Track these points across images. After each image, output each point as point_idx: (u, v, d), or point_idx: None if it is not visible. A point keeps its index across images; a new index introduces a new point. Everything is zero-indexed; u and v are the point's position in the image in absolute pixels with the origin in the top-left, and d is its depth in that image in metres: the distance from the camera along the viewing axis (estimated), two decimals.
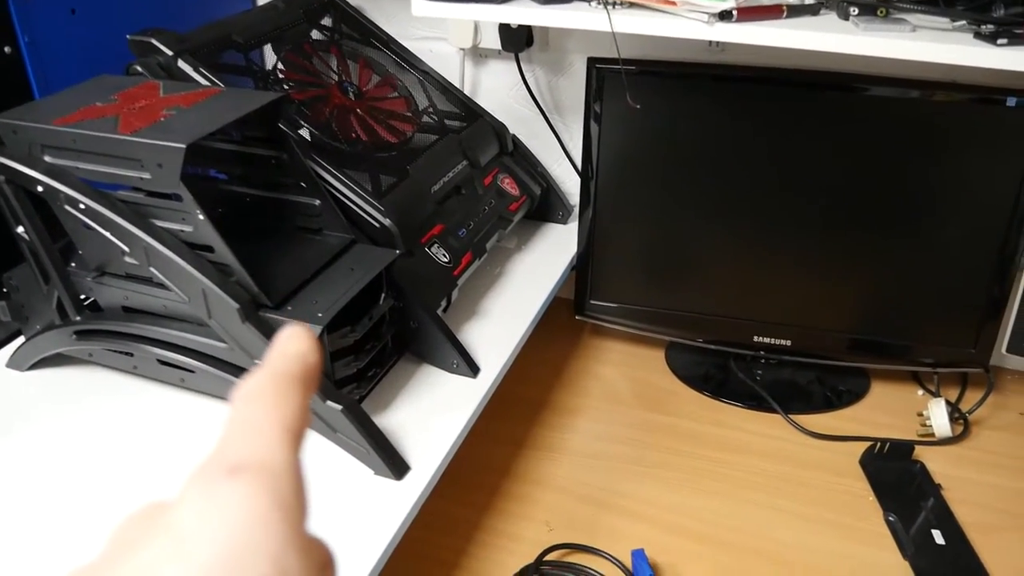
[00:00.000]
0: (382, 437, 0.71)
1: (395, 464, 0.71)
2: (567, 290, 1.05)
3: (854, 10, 0.79)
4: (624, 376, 1.07)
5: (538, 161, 1.10)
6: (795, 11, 0.80)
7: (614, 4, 0.80)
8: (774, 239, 0.97)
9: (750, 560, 0.82)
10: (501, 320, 0.92)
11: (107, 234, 0.72)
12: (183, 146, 0.66)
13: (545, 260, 1.04)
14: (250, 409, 0.29)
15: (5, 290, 0.82)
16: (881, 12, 0.78)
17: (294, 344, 0.30)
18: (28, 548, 0.65)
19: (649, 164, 0.97)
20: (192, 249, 0.70)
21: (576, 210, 1.12)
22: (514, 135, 1.07)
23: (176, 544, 0.26)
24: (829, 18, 0.80)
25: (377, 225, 0.82)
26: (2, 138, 0.74)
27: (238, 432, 0.29)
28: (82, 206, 0.72)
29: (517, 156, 1.07)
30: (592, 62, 0.94)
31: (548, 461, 0.94)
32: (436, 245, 0.87)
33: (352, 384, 0.76)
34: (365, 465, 0.72)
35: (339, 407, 0.70)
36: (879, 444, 0.93)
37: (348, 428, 0.70)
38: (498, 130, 1.04)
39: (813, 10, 0.81)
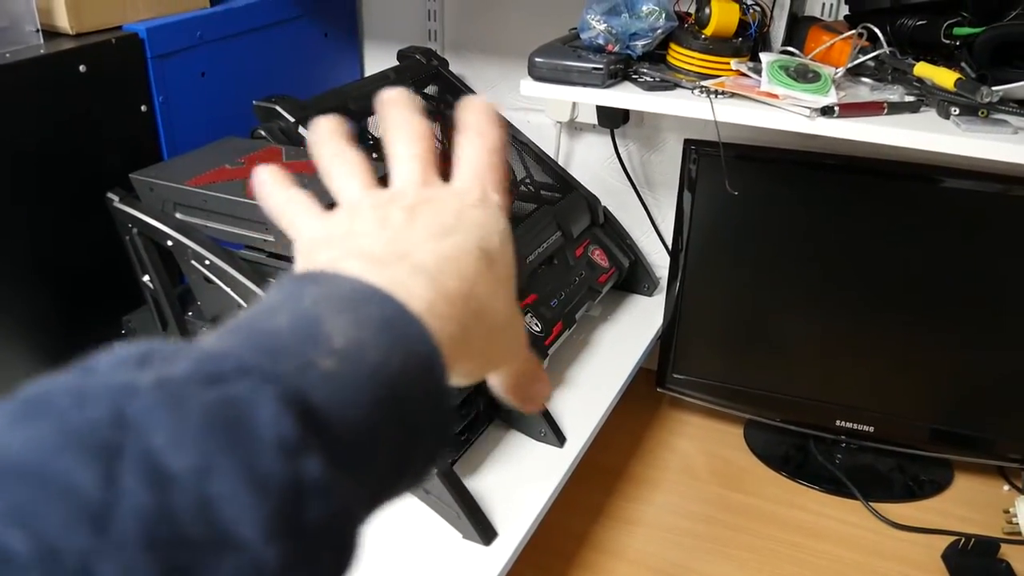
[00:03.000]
0: (473, 502, 0.74)
1: (484, 530, 0.73)
2: (649, 361, 1.06)
3: (955, 110, 0.80)
4: (701, 451, 1.08)
5: (627, 233, 1.13)
6: (895, 108, 0.81)
7: (716, 93, 0.83)
8: (860, 324, 0.98)
9: None
10: (587, 390, 0.94)
11: (227, 289, 0.76)
12: None
13: (630, 331, 1.06)
14: (497, 160, 0.40)
15: (124, 332, 0.87)
16: (983, 113, 0.79)
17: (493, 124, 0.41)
18: None
19: (738, 242, 0.99)
20: None
21: (661, 283, 1.14)
22: (605, 207, 1.10)
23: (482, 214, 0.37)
24: (929, 116, 0.81)
25: None
26: (139, 194, 0.80)
27: (489, 173, 0.39)
28: (207, 262, 0.76)
29: (608, 228, 1.09)
30: (688, 143, 0.97)
31: (624, 532, 0.95)
32: (529, 314, 0.90)
33: (448, 448, 0.79)
34: (455, 528, 0.74)
35: (434, 470, 0.72)
36: (963, 540, 0.92)
37: (441, 491, 0.73)
38: (591, 202, 1.07)
39: (913, 107, 0.82)
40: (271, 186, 0.41)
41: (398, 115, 0.41)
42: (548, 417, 0.85)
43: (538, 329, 0.90)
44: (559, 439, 0.85)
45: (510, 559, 0.73)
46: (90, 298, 0.90)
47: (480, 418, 0.84)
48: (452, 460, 0.79)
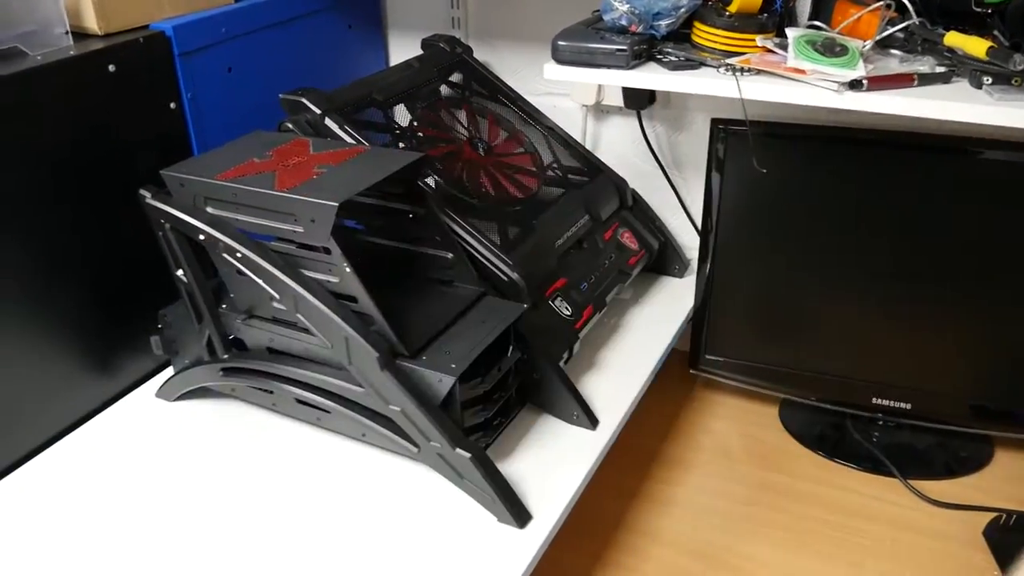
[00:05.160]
0: (507, 486, 0.74)
1: (518, 513, 0.74)
2: (681, 342, 1.06)
3: (988, 79, 0.78)
4: (736, 431, 1.07)
5: (656, 215, 1.12)
6: (926, 79, 0.80)
7: (742, 71, 0.82)
8: (894, 301, 0.96)
9: None
10: (619, 372, 0.93)
11: (259, 281, 0.77)
12: (336, 204, 0.71)
13: (661, 313, 1.05)
14: None
15: (160, 325, 0.89)
16: (1016, 82, 0.78)
17: None
18: (161, 560, 0.70)
19: (768, 221, 0.98)
20: (337, 299, 0.75)
21: (691, 264, 1.13)
22: (633, 189, 1.10)
23: None
24: (961, 86, 0.80)
25: (505, 279, 0.85)
26: (170, 190, 0.81)
27: None
28: (239, 255, 0.77)
29: (636, 210, 1.09)
30: (716, 123, 0.96)
31: (659, 514, 0.95)
32: (559, 298, 0.90)
33: (479, 432, 0.79)
34: (490, 512, 0.74)
35: (468, 455, 0.73)
36: (1004, 516, 0.90)
37: (475, 476, 0.73)
38: (619, 185, 1.07)
39: (944, 78, 0.81)
40: None
41: None
42: (580, 400, 0.85)
43: (568, 313, 0.90)
44: (592, 422, 0.85)
45: (545, 541, 0.73)
46: (127, 293, 0.92)
47: (512, 402, 0.84)
48: (486, 444, 0.80)
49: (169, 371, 0.93)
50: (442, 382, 0.73)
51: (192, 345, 0.87)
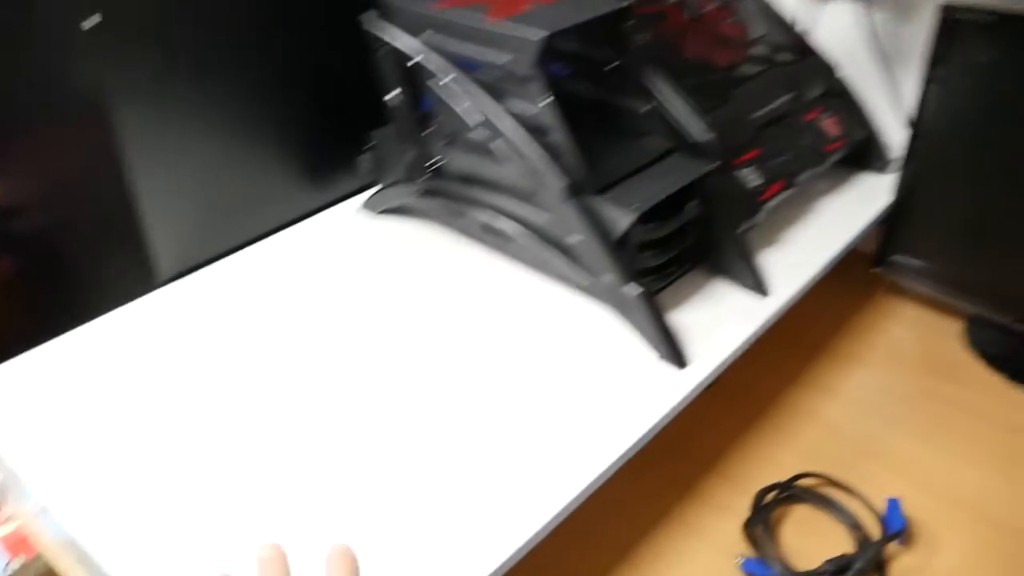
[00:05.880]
0: (668, 330, 0.77)
1: (677, 354, 0.77)
2: (865, 244, 1.03)
3: None
4: (915, 338, 1.04)
5: (863, 107, 1.08)
6: None
7: None
8: None
9: (1017, 542, 0.79)
10: (798, 252, 0.93)
11: (464, 106, 0.82)
12: (543, 35, 0.74)
13: (852, 207, 1.02)
14: None
15: (369, 146, 0.96)
16: None
17: None
18: (349, 355, 0.78)
19: (988, 124, 0.92)
20: (533, 130, 0.79)
21: (893, 164, 1.09)
22: (843, 77, 1.06)
23: None
24: None
25: (697, 138, 0.86)
26: (389, 15, 0.86)
27: None
28: (447, 80, 0.82)
29: (844, 98, 1.05)
30: (946, 10, 0.90)
31: (818, 399, 0.95)
32: (749, 169, 0.90)
33: (651, 276, 0.82)
34: (652, 349, 0.78)
35: (636, 292, 0.76)
36: None
37: (641, 313, 0.77)
38: (828, 69, 1.03)
39: None
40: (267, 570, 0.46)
41: None
42: (754, 267, 0.85)
43: (755, 184, 0.90)
44: (762, 290, 0.85)
45: (699, 385, 0.76)
46: (343, 115, 1.00)
47: (686, 256, 0.86)
48: (655, 289, 0.82)
49: (373, 191, 1.01)
50: (622, 219, 0.76)
51: (396, 166, 0.94)
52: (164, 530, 0.62)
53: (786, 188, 0.93)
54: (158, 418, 0.72)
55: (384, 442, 0.69)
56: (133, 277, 0.93)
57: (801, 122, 0.99)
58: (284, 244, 0.95)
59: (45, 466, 0.68)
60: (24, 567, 1.03)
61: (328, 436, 0.70)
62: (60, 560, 0.76)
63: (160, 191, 0.89)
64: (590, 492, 0.66)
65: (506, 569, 0.60)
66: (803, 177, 0.96)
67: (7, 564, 1.07)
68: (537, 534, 0.62)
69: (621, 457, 0.68)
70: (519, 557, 0.61)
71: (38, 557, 1.05)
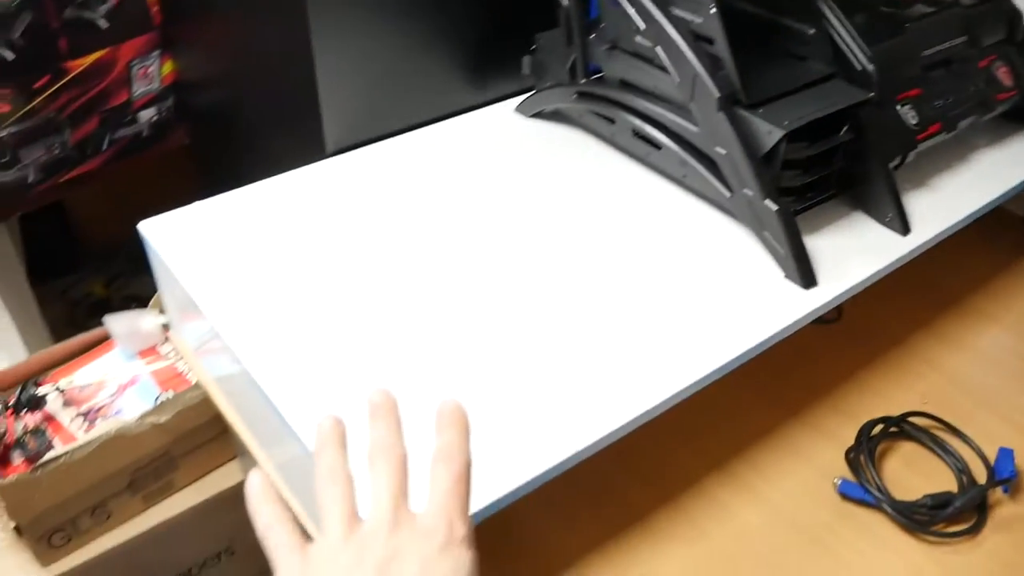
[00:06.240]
0: (803, 247, 0.79)
1: (806, 274, 0.78)
2: (1020, 206, 1.00)
3: None
4: None
5: None
6: None
7: None
8: None
9: None
10: (945, 198, 0.92)
11: (631, 11, 0.85)
12: None
13: (1009, 163, 0.99)
14: (463, 487, 0.45)
15: (533, 47, 1.00)
16: None
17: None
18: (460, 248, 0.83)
19: None
20: (696, 38, 0.81)
21: None
22: None
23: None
24: None
25: (859, 68, 0.86)
26: None
27: (454, 504, 0.44)
28: None
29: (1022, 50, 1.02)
30: None
31: (941, 347, 0.95)
32: (909, 106, 0.89)
33: (791, 196, 0.83)
34: (779, 267, 0.80)
35: (774, 208, 0.78)
36: None
37: (776, 229, 0.78)
38: (1011, 16, 1.00)
39: None
40: (258, 500, 0.46)
41: (381, 434, 0.46)
42: (899, 204, 0.85)
43: (913, 122, 0.89)
44: (904, 227, 0.85)
45: (820, 308, 0.77)
46: (513, 17, 1.04)
47: (831, 183, 0.86)
48: (796, 209, 0.84)
49: (528, 95, 1.05)
50: (771, 134, 0.78)
51: (557, 69, 0.98)
52: (314, 364, 0.69)
53: (945, 131, 0.92)
54: (314, 266, 0.79)
55: (507, 314, 0.74)
56: (306, 149, 1.01)
57: (973, 67, 0.96)
58: (439, 135, 1.01)
59: (219, 298, 0.76)
60: (174, 399, 1.16)
61: (456, 304, 0.75)
62: (215, 394, 0.86)
63: (336, 72, 0.96)
64: (695, 391, 0.69)
65: (612, 440, 0.65)
66: (965, 123, 0.94)
67: (158, 396, 1.20)
68: (641, 416, 0.66)
69: (731, 363, 0.71)
70: (625, 432, 0.66)
71: (186, 392, 1.17)
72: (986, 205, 0.92)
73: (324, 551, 0.43)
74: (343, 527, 0.43)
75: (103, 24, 1.14)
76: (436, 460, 0.46)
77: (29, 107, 1.13)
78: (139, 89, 1.24)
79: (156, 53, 1.22)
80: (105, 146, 1.26)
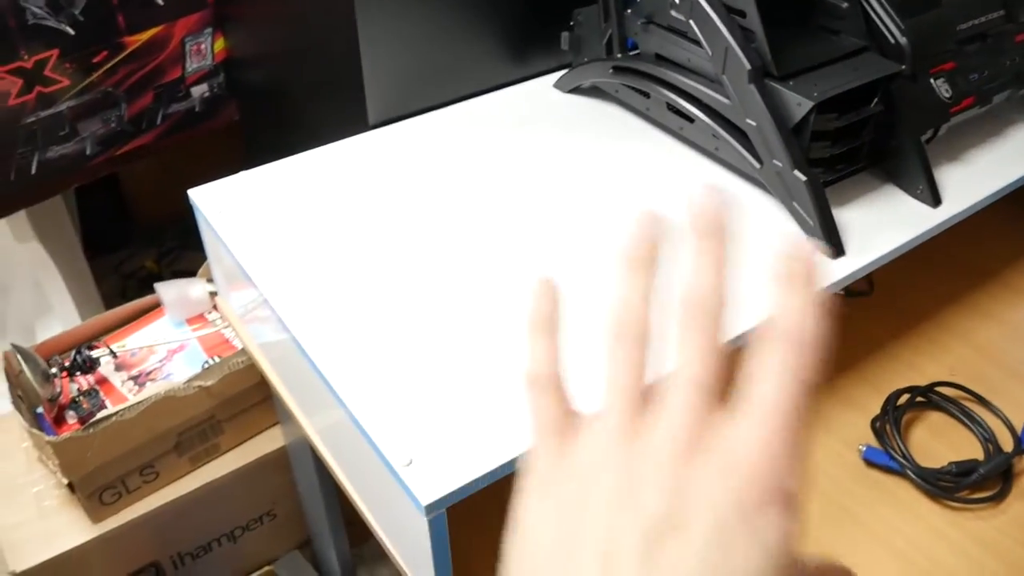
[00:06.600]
0: (831, 217, 0.80)
1: (835, 244, 0.80)
2: None
3: None
4: None
5: None
6: None
7: None
8: None
9: None
10: (978, 172, 0.92)
11: None
12: None
13: None
14: (804, 408, 0.29)
15: (572, 23, 1.03)
16: None
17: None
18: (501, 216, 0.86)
19: None
20: (728, 11, 0.82)
21: None
22: None
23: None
24: None
25: (892, 41, 0.87)
26: None
27: (787, 441, 0.27)
28: None
29: None
30: None
31: (975, 322, 0.95)
32: (942, 79, 0.90)
33: (820, 168, 0.85)
34: (809, 238, 0.81)
35: (804, 178, 0.79)
36: None
37: (805, 199, 0.80)
38: None
39: None
40: (537, 328, 0.35)
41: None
42: (930, 176, 0.86)
43: (947, 96, 0.90)
44: (935, 199, 0.86)
45: (848, 277, 0.78)
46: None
47: (861, 155, 0.87)
48: (825, 181, 0.85)
49: (565, 72, 1.07)
50: (800, 106, 0.79)
51: (594, 44, 1.00)
52: (358, 331, 0.72)
53: (978, 105, 0.92)
54: (357, 235, 0.82)
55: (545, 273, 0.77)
56: (350, 122, 1.04)
57: (1010, 41, 0.96)
58: (478, 109, 1.04)
59: (265, 264, 0.79)
60: (220, 364, 1.20)
61: (496, 272, 0.78)
62: (260, 360, 0.90)
63: (379, 48, 0.99)
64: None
65: None
66: (1000, 97, 0.94)
67: (205, 362, 1.25)
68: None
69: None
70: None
71: (231, 357, 1.22)
72: (1020, 179, 0.93)
73: (589, 448, 0.30)
74: (625, 420, 0.30)
75: (159, 1, 1.18)
76: (771, 341, 0.30)
77: (88, 81, 1.18)
78: (192, 65, 1.29)
79: (208, 30, 1.27)
80: (159, 120, 1.31)
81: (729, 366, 0.30)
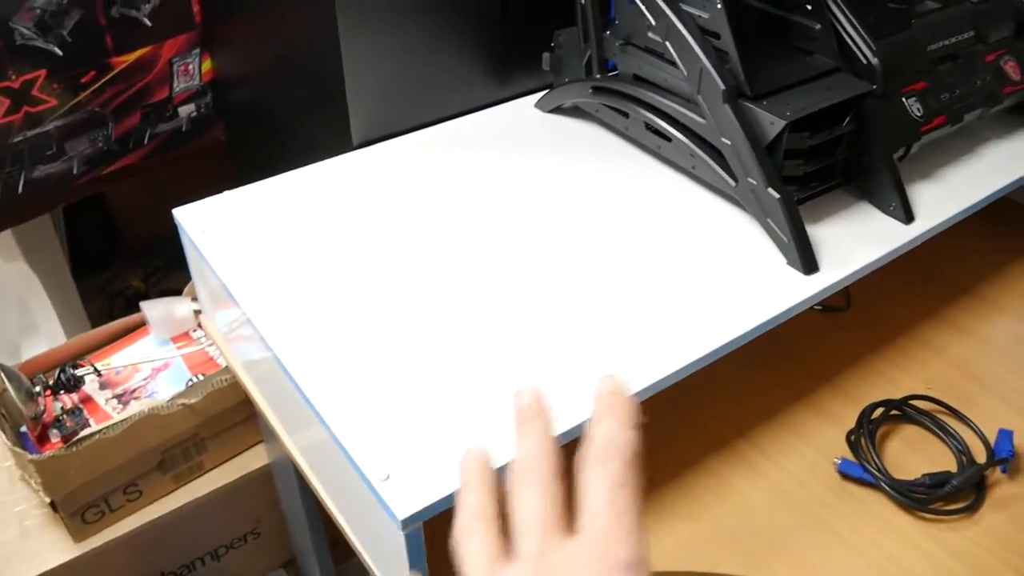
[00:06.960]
0: (805, 234, 0.81)
1: (808, 260, 0.81)
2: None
3: None
4: None
5: None
6: None
7: None
8: None
9: None
10: (950, 188, 0.94)
11: (642, 8, 0.88)
12: None
13: (1016, 156, 1.01)
14: (627, 497, 0.37)
15: (553, 44, 1.04)
16: None
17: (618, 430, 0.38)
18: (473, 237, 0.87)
19: None
20: (703, 33, 0.84)
21: None
22: None
23: None
24: None
25: (864, 62, 0.89)
26: None
27: (622, 524, 0.36)
28: None
29: None
30: None
31: (949, 336, 0.97)
32: (914, 99, 0.92)
33: (794, 186, 0.86)
34: (781, 253, 0.82)
35: (777, 196, 0.81)
36: None
37: (779, 217, 0.81)
38: (1020, 12, 1.02)
39: None
40: (471, 481, 0.41)
41: (526, 449, 0.40)
42: (903, 193, 0.88)
43: (918, 114, 0.91)
44: (907, 216, 0.88)
45: (821, 293, 0.80)
46: (529, 15, 1.08)
47: (834, 173, 0.89)
48: (799, 198, 0.86)
49: (546, 92, 1.09)
50: (773, 125, 0.81)
51: (574, 65, 1.02)
52: (341, 350, 0.72)
53: (950, 123, 0.94)
54: (341, 255, 0.83)
55: (527, 298, 0.78)
56: (334, 142, 1.06)
57: (980, 61, 0.98)
58: (460, 129, 1.05)
59: (248, 283, 0.80)
60: (204, 382, 1.21)
61: (479, 291, 0.79)
62: (243, 378, 0.91)
63: (362, 69, 1.00)
64: (699, 367, 0.72)
65: None
66: (971, 116, 0.96)
67: (189, 380, 1.25)
68: (648, 388, 0.69)
69: (731, 343, 0.74)
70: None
71: (215, 375, 1.22)
72: (991, 196, 0.94)
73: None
74: (542, 552, 0.38)
75: (147, 22, 1.20)
76: (591, 461, 0.38)
77: (75, 101, 1.19)
78: (180, 85, 1.30)
79: (196, 51, 1.28)
80: (146, 140, 1.32)
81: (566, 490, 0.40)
